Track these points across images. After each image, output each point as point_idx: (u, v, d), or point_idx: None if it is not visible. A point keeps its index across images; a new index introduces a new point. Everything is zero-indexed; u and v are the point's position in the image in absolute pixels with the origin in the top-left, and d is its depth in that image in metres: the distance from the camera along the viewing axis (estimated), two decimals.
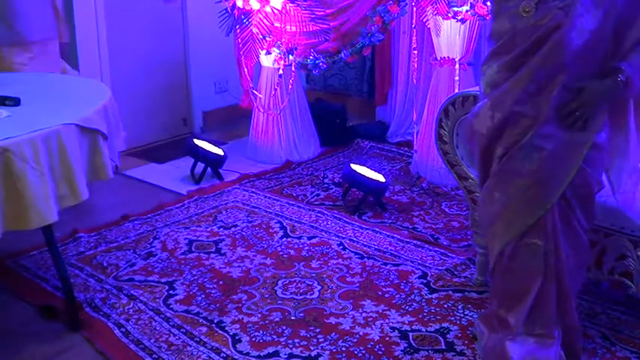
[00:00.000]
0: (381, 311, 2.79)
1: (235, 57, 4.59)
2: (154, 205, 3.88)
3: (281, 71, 4.42)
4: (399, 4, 4.10)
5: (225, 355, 2.53)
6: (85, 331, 2.71)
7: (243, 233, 3.53)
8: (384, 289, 2.96)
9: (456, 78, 3.93)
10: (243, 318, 2.76)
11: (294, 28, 4.24)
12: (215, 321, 2.75)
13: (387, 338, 2.61)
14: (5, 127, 2.43)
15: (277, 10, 4.18)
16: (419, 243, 3.37)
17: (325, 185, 4.19)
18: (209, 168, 4.32)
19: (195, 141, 4.42)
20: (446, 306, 2.82)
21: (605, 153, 2.14)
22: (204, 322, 2.74)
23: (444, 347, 2.56)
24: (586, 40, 1.99)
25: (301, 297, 2.92)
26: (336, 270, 3.14)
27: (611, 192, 2.25)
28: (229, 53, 4.74)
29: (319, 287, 2.99)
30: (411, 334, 2.64)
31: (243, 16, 4.26)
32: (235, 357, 2.52)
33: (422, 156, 4.18)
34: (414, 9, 4.03)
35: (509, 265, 2.16)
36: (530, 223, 2.09)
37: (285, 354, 2.53)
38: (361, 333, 2.65)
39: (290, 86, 4.49)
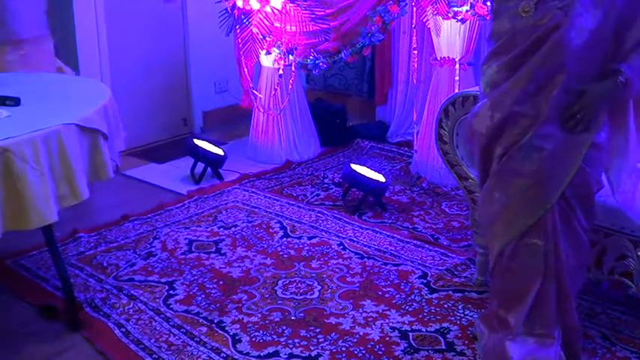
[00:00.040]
0: (381, 311, 2.79)
1: (235, 57, 4.59)
2: (154, 205, 3.88)
3: (281, 71, 4.42)
4: (399, 4, 4.10)
5: (225, 355, 2.53)
6: (85, 331, 2.71)
7: (243, 233, 3.53)
8: (384, 289, 2.96)
9: (456, 78, 3.93)
10: (243, 318, 2.76)
11: (294, 28, 4.25)
12: (215, 321, 2.75)
13: (387, 338, 2.61)
14: (5, 127, 2.43)
15: (277, 10, 4.18)
16: (419, 243, 3.37)
17: (325, 185, 4.19)
18: (209, 168, 4.32)
19: (195, 141, 4.42)
20: (446, 306, 2.82)
21: (605, 153, 2.14)
22: (205, 322, 2.74)
23: (444, 347, 2.56)
24: (586, 39, 1.99)
25: (301, 297, 2.92)
26: (336, 270, 3.14)
27: (610, 192, 2.25)
28: (229, 53, 4.74)
29: (319, 287, 2.99)
30: (411, 334, 2.64)
31: (243, 16, 4.26)
32: (235, 357, 2.52)
33: (422, 156, 4.18)
34: (414, 9, 4.04)
35: (509, 265, 2.16)
36: (530, 223, 2.09)
37: (285, 354, 2.53)
38: (361, 333, 2.65)
39: (290, 86, 4.49)
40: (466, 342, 2.57)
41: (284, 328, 2.69)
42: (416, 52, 4.29)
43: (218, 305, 2.86)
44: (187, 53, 5.16)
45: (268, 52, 4.38)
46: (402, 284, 3.00)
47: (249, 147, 4.70)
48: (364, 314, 2.77)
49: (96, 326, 2.73)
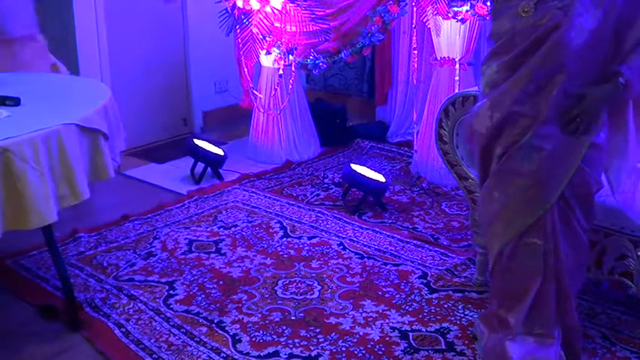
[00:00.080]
0: (381, 311, 2.79)
1: (235, 57, 4.59)
2: (154, 205, 3.88)
3: (281, 71, 4.42)
4: (399, 4, 4.10)
5: (225, 355, 2.53)
6: (85, 331, 2.71)
7: (243, 233, 3.53)
8: (384, 289, 2.96)
9: (456, 78, 3.93)
10: (243, 318, 2.76)
11: (294, 28, 4.25)
12: (215, 321, 2.75)
13: (387, 338, 2.61)
14: (5, 127, 2.43)
15: (277, 10, 4.18)
16: (419, 243, 3.37)
17: (325, 185, 4.19)
18: (209, 168, 4.32)
19: (195, 141, 4.42)
20: (446, 306, 2.82)
21: (604, 153, 2.14)
22: (205, 322, 2.74)
23: (444, 347, 2.56)
24: (585, 39, 1.99)
25: (301, 297, 2.92)
26: (336, 270, 3.14)
27: (610, 192, 2.25)
28: (229, 53, 4.74)
29: (319, 287, 2.99)
30: (411, 334, 2.64)
31: (243, 16, 4.26)
32: (235, 357, 2.52)
33: (422, 156, 4.18)
34: (414, 9, 4.04)
35: (508, 265, 2.16)
36: (529, 222, 2.09)
37: (285, 354, 2.53)
38: (361, 333, 2.65)
39: (290, 86, 4.49)
40: (466, 342, 2.57)
41: (284, 328, 2.69)
42: (416, 52, 4.29)
43: (218, 305, 2.86)
44: (187, 53, 5.16)
45: (268, 52, 4.38)
46: (402, 284, 3.00)
47: (249, 147, 4.70)
48: (364, 314, 2.77)
49: (96, 326, 2.73)
